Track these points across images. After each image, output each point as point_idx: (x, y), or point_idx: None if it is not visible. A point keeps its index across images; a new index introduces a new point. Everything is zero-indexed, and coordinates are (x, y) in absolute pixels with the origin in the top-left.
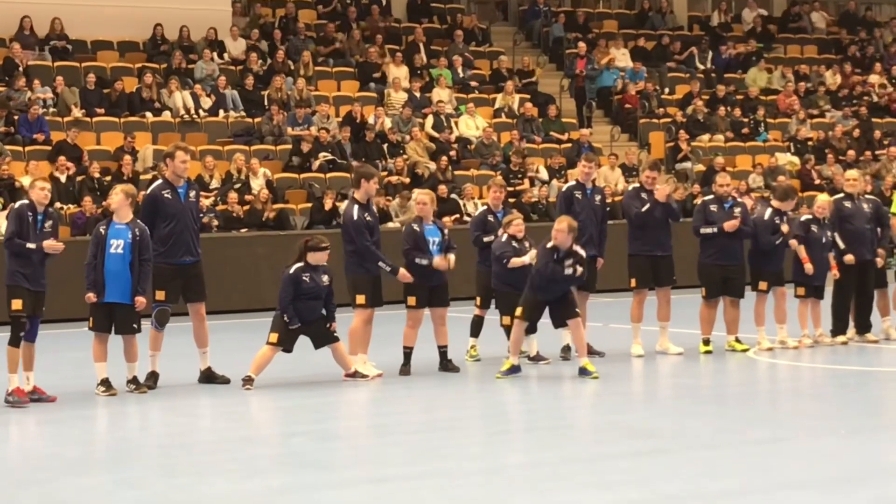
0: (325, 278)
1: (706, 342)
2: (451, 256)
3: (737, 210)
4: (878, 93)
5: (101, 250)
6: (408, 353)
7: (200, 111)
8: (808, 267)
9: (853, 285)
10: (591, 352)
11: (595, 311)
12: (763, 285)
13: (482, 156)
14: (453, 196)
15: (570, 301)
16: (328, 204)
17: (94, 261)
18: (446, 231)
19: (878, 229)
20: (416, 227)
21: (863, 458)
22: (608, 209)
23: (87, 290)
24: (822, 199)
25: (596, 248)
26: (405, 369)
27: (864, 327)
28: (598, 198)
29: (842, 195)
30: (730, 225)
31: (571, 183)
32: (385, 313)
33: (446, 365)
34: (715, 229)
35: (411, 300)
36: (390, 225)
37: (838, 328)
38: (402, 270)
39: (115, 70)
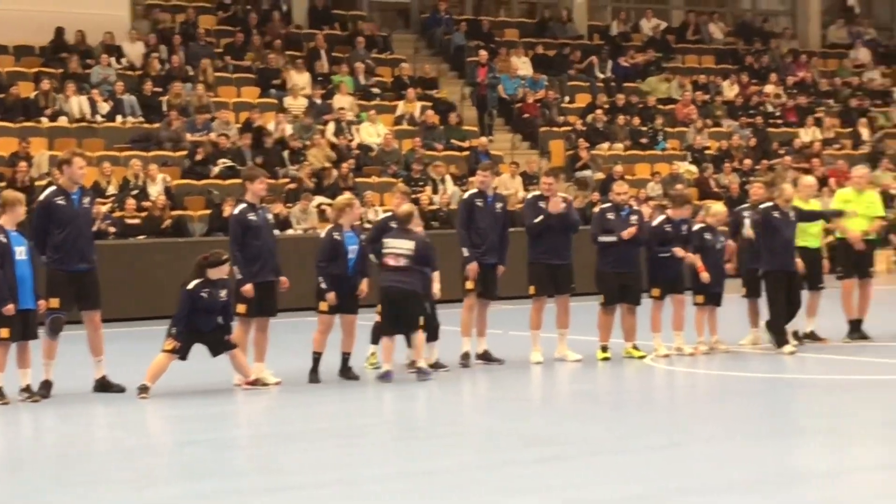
0: (224, 293)
1: (604, 349)
2: (363, 287)
3: (633, 218)
4: (774, 103)
5: (7, 259)
6: (317, 358)
7: (98, 116)
8: (705, 276)
9: (783, 296)
10: (491, 359)
11: (495, 319)
12: (656, 292)
13: (383, 163)
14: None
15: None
16: (227, 211)
17: (1, 271)
18: (363, 237)
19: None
20: (336, 235)
21: (758, 463)
22: (509, 217)
23: (2, 302)
24: (717, 207)
25: (497, 255)
26: (314, 376)
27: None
28: (499, 205)
29: (770, 205)
30: (627, 233)
31: (473, 191)
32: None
33: (347, 372)
34: (613, 238)
35: (322, 306)
36: (290, 232)
37: (780, 341)
38: (247, 287)
39: (10, 74)
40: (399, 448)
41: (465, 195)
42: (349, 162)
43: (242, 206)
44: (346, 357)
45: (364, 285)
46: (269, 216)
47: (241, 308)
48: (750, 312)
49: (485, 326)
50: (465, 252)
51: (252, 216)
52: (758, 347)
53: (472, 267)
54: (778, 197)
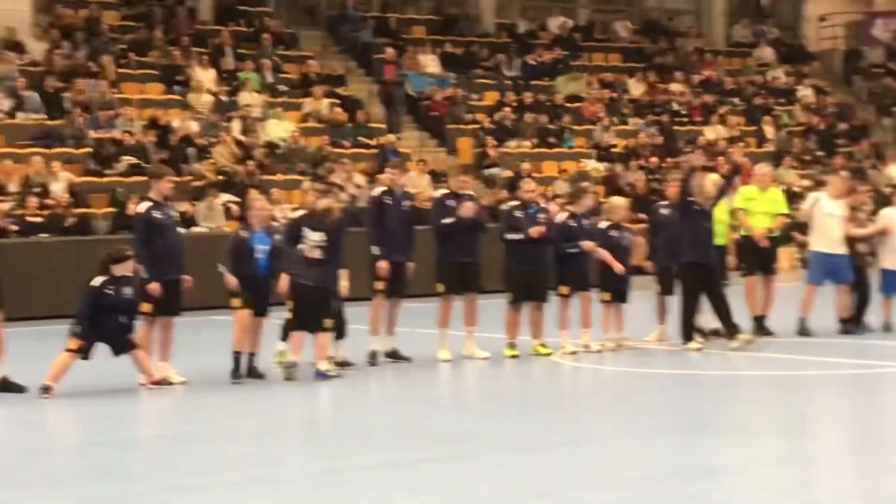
0: (128, 290)
1: (512, 346)
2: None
3: (541, 216)
4: (680, 101)
5: None
6: (237, 357)
7: None
8: (618, 267)
9: (698, 291)
10: (399, 358)
11: (403, 317)
12: (564, 290)
13: (290, 161)
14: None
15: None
16: (132, 209)
17: None
18: (277, 238)
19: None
20: (242, 234)
21: (664, 459)
22: (416, 215)
23: None
24: (616, 201)
25: (405, 253)
26: (236, 376)
27: (733, 328)
28: (406, 203)
29: (662, 202)
30: (535, 231)
31: (382, 188)
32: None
33: (252, 371)
34: (521, 235)
35: (236, 302)
36: (196, 230)
37: (687, 335)
38: (153, 285)
39: None
40: (304, 447)
41: (375, 192)
42: (255, 160)
43: (148, 204)
44: (251, 356)
45: (283, 283)
46: (176, 214)
47: (145, 307)
48: (658, 309)
49: (395, 325)
50: (376, 250)
51: (158, 214)
52: (664, 344)
53: (383, 265)
54: (698, 194)
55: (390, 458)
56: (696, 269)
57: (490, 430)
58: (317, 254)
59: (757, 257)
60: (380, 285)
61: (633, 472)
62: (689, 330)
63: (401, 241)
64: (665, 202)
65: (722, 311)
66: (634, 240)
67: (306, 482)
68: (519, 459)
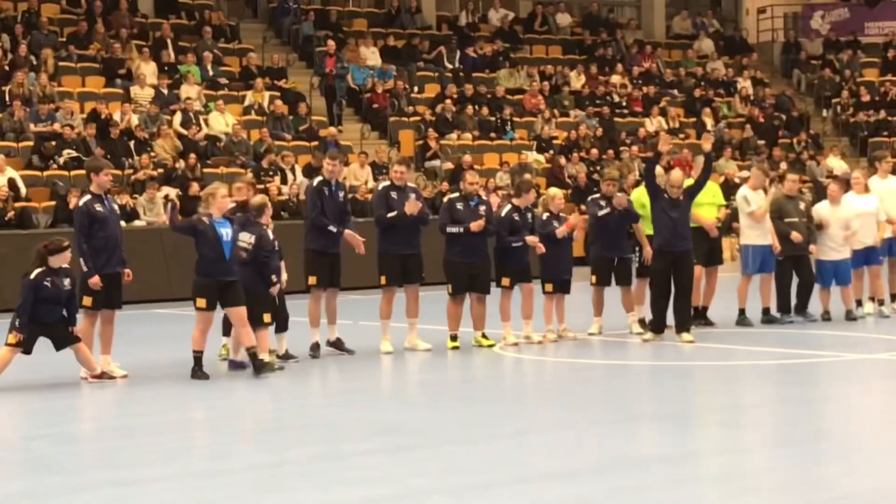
0: (67, 282)
1: (454, 338)
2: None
3: (482, 208)
4: (620, 93)
5: None
6: (198, 357)
7: None
8: (540, 247)
9: (667, 278)
10: (342, 348)
11: (345, 309)
12: (506, 281)
13: (231, 153)
14: (202, 194)
15: None
16: (73, 202)
17: None
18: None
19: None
20: (206, 220)
21: (602, 450)
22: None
23: None
24: (553, 191)
25: (339, 245)
26: (202, 373)
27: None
28: (341, 194)
29: (598, 195)
30: (476, 226)
31: (319, 178)
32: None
33: (259, 367)
34: (461, 229)
35: (201, 302)
36: (137, 223)
37: (659, 326)
38: (95, 279)
39: None
40: (244, 440)
41: (314, 182)
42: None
43: (88, 197)
44: (252, 353)
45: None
46: (116, 207)
47: (87, 301)
48: (595, 301)
49: (335, 315)
50: (332, 229)
51: (98, 207)
52: (605, 335)
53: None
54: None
55: (331, 450)
56: (664, 255)
57: (429, 422)
58: (244, 255)
59: (704, 248)
60: (313, 279)
61: (575, 462)
62: (661, 319)
63: (337, 232)
64: (599, 195)
65: (666, 300)
66: (569, 219)
67: (249, 475)
68: (456, 452)
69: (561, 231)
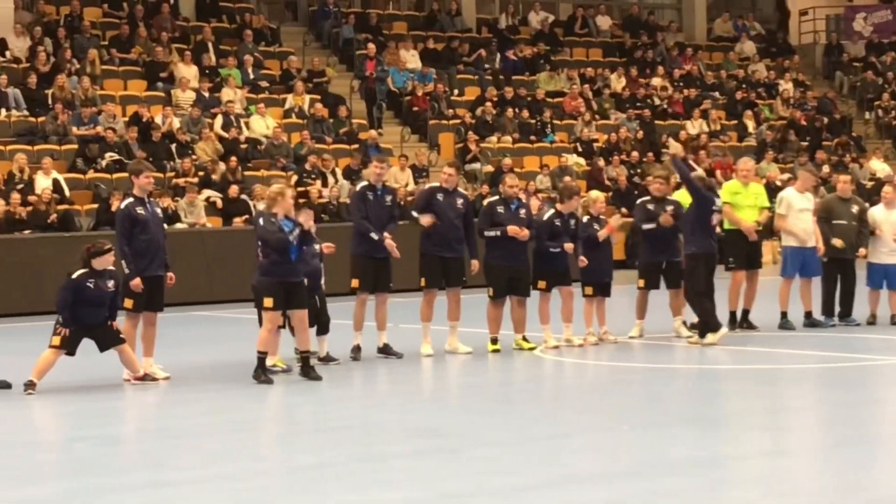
0: (111, 284)
1: (494, 341)
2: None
3: (522, 211)
4: (661, 96)
5: None
6: (262, 358)
7: None
8: (614, 219)
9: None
10: (390, 353)
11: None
12: (542, 284)
13: (272, 156)
14: (243, 197)
15: None
16: (115, 205)
17: None
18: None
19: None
20: (274, 221)
21: (643, 453)
22: (399, 209)
23: None
24: (595, 194)
25: (384, 250)
26: (265, 377)
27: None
28: (388, 198)
29: (647, 198)
30: (513, 230)
31: (364, 183)
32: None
33: (308, 372)
34: (499, 232)
35: (268, 301)
36: (178, 226)
37: (714, 324)
38: (136, 281)
39: None
40: (284, 442)
41: (357, 187)
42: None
43: (129, 199)
44: (305, 357)
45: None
46: (159, 210)
47: (128, 303)
48: (639, 304)
49: (384, 321)
50: (374, 236)
51: (140, 210)
52: (645, 338)
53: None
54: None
55: (370, 452)
56: (701, 259)
57: (469, 424)
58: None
59: (744, 251)
60: (356, 283)
61: (614, 465)
62: (713, 318)
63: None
64: (648, 198)
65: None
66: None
67: (288, 477)
68: (499, 453)
69: (602, 234)
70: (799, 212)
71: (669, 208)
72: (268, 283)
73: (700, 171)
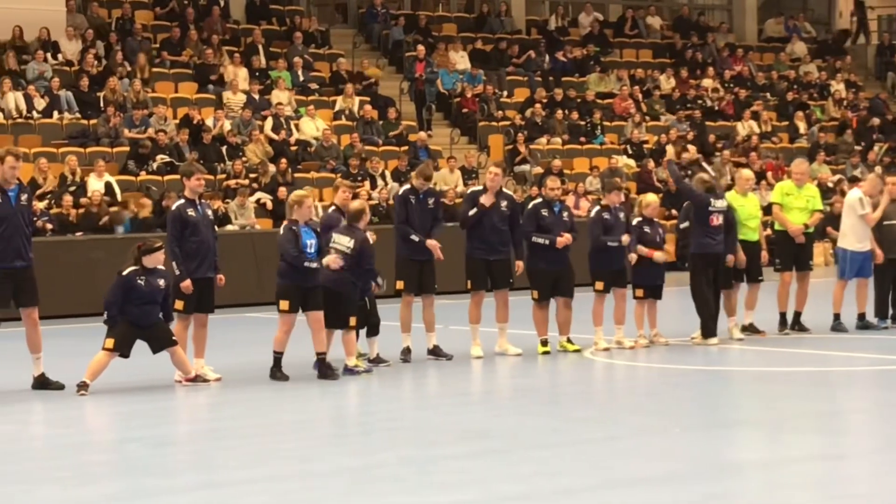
0: (162, 282)
1: (544, 343)
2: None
3: (565, 214)
4: (711, 97)
5: None
6: (278, 358)
7: (34, 112)
8: (658, 255)
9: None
10: (440, 355)
11: (434, 313)
12: (600, 285)
13: (322, 158)
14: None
15: None
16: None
17: None
18: (319, 230)
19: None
20: (294, 228)
21: (695, 456)
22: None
23: None
24: (650, 198)
25: (427, 252)
26: (281, 375)
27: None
28: (430, 201)
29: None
30: (561, 242)
31: (406, 187)
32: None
33: (325, 372)
34: (547, 241)
35: (284, 304)
36: (229, 228)
37: (709, 330)
38: (186, 282)
39: None
40: (335, 443)
41: (400, 190)
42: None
43: (181, 201)
44: (322, 358)
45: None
46: (210, 212)
47: (178, 304)
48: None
49: (432, 323)
50: (415, 238)
51: (190, 212)
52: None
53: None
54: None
55: (421, 454)
56: (703, 259)
57: (519, 426)
58: (340, 259)
59: (792, 253)
60: (401, 284)
61: (666, 468)
62: (711, 323)
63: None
64: None
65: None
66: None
67: (339, 478)
68: (546, 456)
69: (643, 251)
70: (861, 213)
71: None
72: (284, 286)
73: (706, 174)
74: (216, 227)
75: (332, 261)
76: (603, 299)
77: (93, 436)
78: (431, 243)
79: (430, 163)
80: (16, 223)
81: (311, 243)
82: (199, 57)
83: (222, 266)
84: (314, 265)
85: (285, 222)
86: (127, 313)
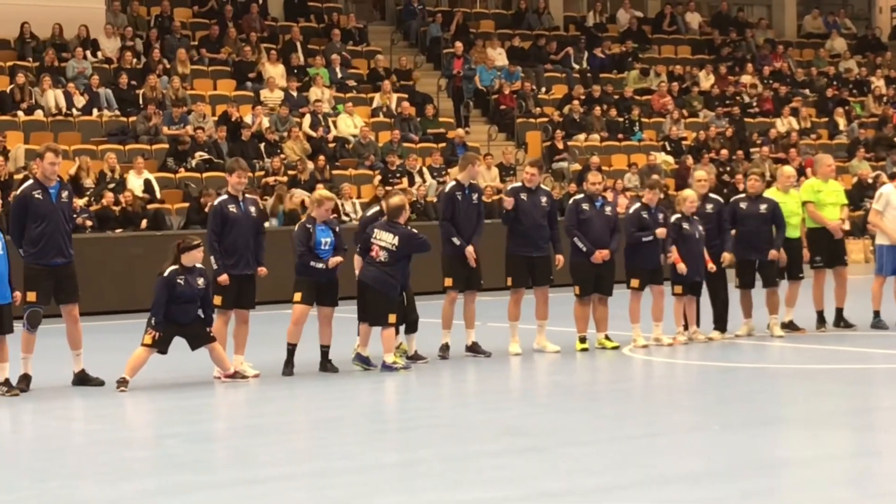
0: (201, 281)
1: (582, 340)
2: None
3: (608, 209)
4: (750, 93)
5: None
6: (291, 350)
7: (74, 110)
8: (681, 267)
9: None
10: (479, 351)
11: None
12: (635, 283)
13: (360, 155)
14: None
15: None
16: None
17: None
18: (338, 229)
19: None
20: (309, 226)
21: (734, 453)
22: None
23: None
24: (688, 193)
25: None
26: (288, 369)
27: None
28: (475, 196)
29: (741, 195)
30: (599, 256)
31: (452, 183)
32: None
33: (326, 365)
34: (586, 249)
35: (296, 296)
36: (266, 224)
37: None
38: (223, 277)
39: None
40: (375, 440)
41: (446, 188)
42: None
43: (223, 197)
44: (324, 350)
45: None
46: (253, 209)
47: (217, 300)
48: (742, 303)
49: (472, 319)
50: (456, 241)
51: (232, 208)
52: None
53: (469, 251)
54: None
55: (459, 450)
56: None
57: (558, 423)
58: (382, 255)
59: (828, 249)
60: (449, 281)
61: (704, 465)
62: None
63: (469, 235)
64: (743, 196)
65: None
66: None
67: (378, 474)
68: (586, 453)
69: (673, 258)
70: (894, 209)
71: (763, 206)
72: (298, 280)
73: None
74: (265, 223)
75: (333, 262)
76: (639, 296)
77: (132, 432)
78: (469, 252)
79: (474, 155)
80: (56, 220)
81: (325, 241)
82: (238, 54)
83: (264, 260)
84: (320, 265)
85: (302, 218)
86: (166, 312)
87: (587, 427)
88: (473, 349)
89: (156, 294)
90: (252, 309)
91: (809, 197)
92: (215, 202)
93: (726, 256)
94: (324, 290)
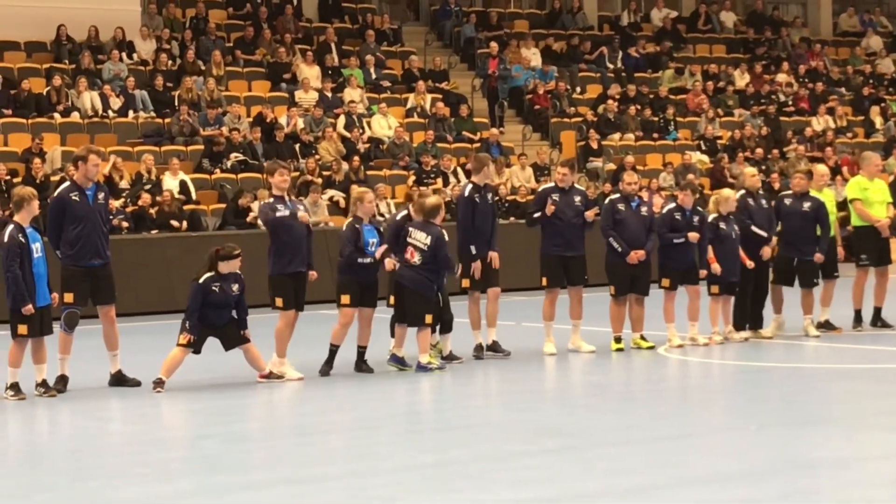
0: (236, 287)
1: (617, 340)
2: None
3: (643, 209)
4: (786, 92)
5: (27, 258)
6: (334, 351)
7: (110, 112)
8: (715, 267)
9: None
10: (498, 351)
11: (508, 310)
12: (666, 282)
13: (394, 156)
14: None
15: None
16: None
17: (19, 270)
18: (381, 229)
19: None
20: (357, 226)
21: (771, 453)
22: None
23: (22, 302)
24: (726, 192)
25: (489, 246)
26: (326, 368)
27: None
28: (489, 195)
29: (788, 192)
30: (634, 257)
31: (470, 186)
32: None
33: (361, 366)
34: (621, 249)
35: (345, 299)
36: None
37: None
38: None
39: (21, 70)
40: (411, 440)
41: (466, 191)
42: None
43: (271, 199)
44: (361, 351)
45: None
46: (301, 208)
47: (278, 301)
48: (773, 299)
49: (494, 318)
50: (473, 250)
51: (280, 208)
52: (780, 334)
53: (476, 264)
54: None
55: (494, 450)
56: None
57: (594, 423)
58: (416, 256)
59: (876, 248)
60: (466, 283)
61: (741, 466)
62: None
63: (487, 236)
64: (789, 192)
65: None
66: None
67: (414, 474)
68: (624, 453)
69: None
70: None
71: (807, 204)
72: (343, 281)
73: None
74: (310, 224)
75: (380, 252)
76: (673, 296)
77: (168, 432)
78: (494, 257)
79: (486, 156)
80: (93, 221)
81: (372, 241)
82: (272, 55)
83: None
84: (368, 260)
85: (349, 219)
86: (201, 315)
87: (622, 427)
88: (493, 348)
89: (190, 299)
90: (301, 310)
91: (857, 195)
92: (262, 202)
93: (766, 251)
94: (366, 290)
